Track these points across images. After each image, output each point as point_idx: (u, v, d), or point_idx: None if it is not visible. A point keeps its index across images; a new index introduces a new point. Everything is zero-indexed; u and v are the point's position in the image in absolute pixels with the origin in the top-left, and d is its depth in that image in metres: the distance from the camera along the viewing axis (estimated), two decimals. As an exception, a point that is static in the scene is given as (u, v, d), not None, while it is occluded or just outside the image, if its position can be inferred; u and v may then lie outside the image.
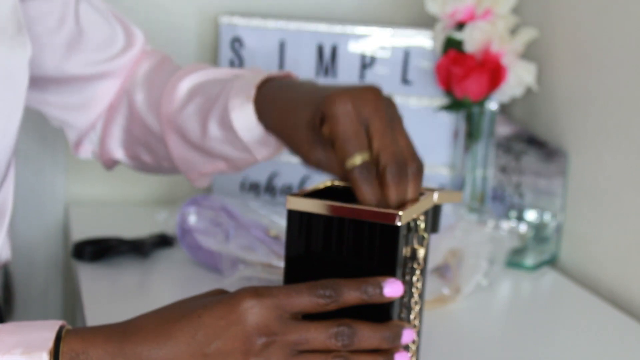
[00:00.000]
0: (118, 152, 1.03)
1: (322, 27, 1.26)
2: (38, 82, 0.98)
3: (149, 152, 1.01)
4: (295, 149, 0.80)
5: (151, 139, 0.99)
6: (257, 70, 0.93)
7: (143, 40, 1.03)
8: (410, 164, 0.72)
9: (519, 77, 1.22)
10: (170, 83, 0.96)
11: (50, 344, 0.62)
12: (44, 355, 0.62)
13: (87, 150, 1.05)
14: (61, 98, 1.00)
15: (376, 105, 0.73)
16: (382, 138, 0.72)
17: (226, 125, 0.88)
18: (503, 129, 1.26)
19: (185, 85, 0.95)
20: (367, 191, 0.70)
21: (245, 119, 0.86)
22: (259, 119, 0.86)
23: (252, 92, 0.86)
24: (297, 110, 0.79)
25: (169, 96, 0.95)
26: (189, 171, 0.98)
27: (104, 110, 1.02)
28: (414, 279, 0.72)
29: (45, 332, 0.63)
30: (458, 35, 1.21)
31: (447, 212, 1.03)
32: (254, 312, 0.63)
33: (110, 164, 1.06)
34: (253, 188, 1.30)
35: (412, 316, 0.73)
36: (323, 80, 1.27)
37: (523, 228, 1.20)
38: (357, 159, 0.71)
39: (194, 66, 0.97)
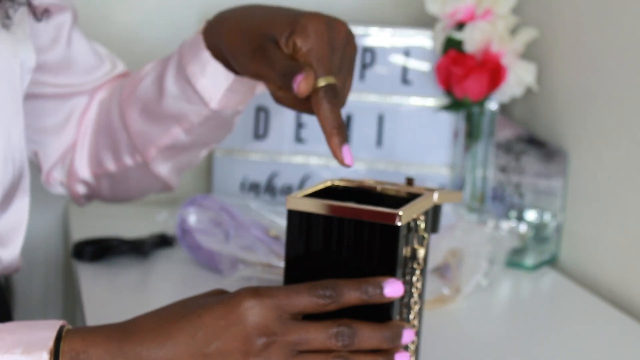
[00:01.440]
0: (84, 171, 1.02)
1: (322, 27, 1.26)
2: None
3: (112, 152, 1.00)
4: (240, 57, 0.82)
5: (113, 129, 0.99)
6: None
7: (123, 69, 1.05)
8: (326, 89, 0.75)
9: (519, 77, 1.22)
10: (135, 73, 0.99)
11: (50, 343, 0.62)
12: (44, 355, 0.62)
13: (56, 180, 1.03)
14: (39, 119, 1.00)
15: (347, 38, 0.78)
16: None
17: (180, 74, 0.90)
18: (503, 129, 1.26)
19: (149, 66, 0.97)
20: (326, 109, 0.73)
21: (194, 52, 0.88)
22: (209, 46, 0.88)
23: (202, 26, 0.89)
24: (261, 24, 0.81)
25: (133, 78, 0.98)
26: (146, 149, 0.97)
27: (76, 125, 1.02)
28: (414, 279, 0.72)
29: (45, 331, 0.63)
30: (458, 35, 1.21)
31: (447, 212, 1.03)
32: (254, 313, 0.63)
33: (79, 194, 1.04)
34: (253, 188, 1.30)
35: (411, 316, 0.73)
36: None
37: (523, 228, 1.20)
38: (322, 82, 0.74)
39: None
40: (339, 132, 0.73)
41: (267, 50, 0.77)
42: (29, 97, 0.97)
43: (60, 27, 0.96)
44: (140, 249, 1.10)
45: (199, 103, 0.90)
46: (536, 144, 1.23)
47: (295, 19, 0.77)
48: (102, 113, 1.01)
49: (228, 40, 0.83)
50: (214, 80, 0.88)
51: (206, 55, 0.88)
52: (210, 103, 0.90)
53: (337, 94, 0.74)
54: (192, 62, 0.89)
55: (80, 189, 1.03)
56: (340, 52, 0.77)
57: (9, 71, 0.82)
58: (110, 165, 1.00)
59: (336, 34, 0.77)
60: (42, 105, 0.99)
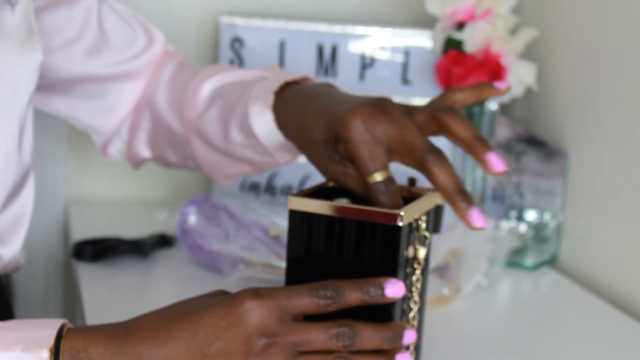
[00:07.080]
0: (145, 152, 1.04)
1: (322, 27, 1.26)
2: (62, 85, 0.99)
3: (175, 153, 1.01)
4: (313, 162, 0.80)
5: (176, 140, 0.99)
6: (276, 70, 0.94)
7: (163, 41, 1.04)
8: (428, 155, 0.72)
9: (519, 77, 1.22)
10: (193, 85, 0.96)
11: (51, 341, 0.62)
12: (44, 352, 0.62)
13: (114, 152, 1.06)
14: (86, 102, 1.01)
15: (388, 118, 0.73)
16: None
17: (247, 131, 0.88)
18: (503, 129, 1.26)
19: (207, 88, 0.95)
20: (386, 204, 0.71)
21: (265, 127, 0.86)
22: (278, 127, 0.86)
23: (270, 99, 0.85)
24: (312, 128, 0.79)
25: (191, 100, 0.95)
26: (214, 173, 0.98)
27: (128, 113, 1.03)
28: (415, 279, 0.72)
29: (46, 329, 0.63)
30: (458, 35, 1.21)
31: (447, 212, 1.03)
32: (254, 313, 0.63)
33: (137, 164, 1.06)
34: (253, 188, 1.30)
35: (411, 315, 0.73)
36: (323, 81, 1.27)
37: (523, 228, 1.20)
38: (377, 177, 0.71)
39: (215, 68, 0.98)
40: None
41: (333, 164, 0.77)
42: (74, 82, 0.98)
43: (88, 11, 0.96)
44: (140, 249, 1.10)
45: (268, 156, 0.90)
46: (536, 144, 1.23)
47: (332, 127, 0.75)
48: (159, 118, 1.00)
49: (295, 139, 0.83)
50: (285, 148, 0.88)
51: (278, 133, 0.87)
52: (279, 160, 0.90)
53: (392, 185, 0.72)
54: (258, 123, 0.87)
55: (140, 163, 1.06)
56: (389, 134, 0.73)
57: (12, 75, 0.81)
58: (172, 158, 1.02)
59: (375, 121, 0.73)
60: (87, 89, 1.00)
